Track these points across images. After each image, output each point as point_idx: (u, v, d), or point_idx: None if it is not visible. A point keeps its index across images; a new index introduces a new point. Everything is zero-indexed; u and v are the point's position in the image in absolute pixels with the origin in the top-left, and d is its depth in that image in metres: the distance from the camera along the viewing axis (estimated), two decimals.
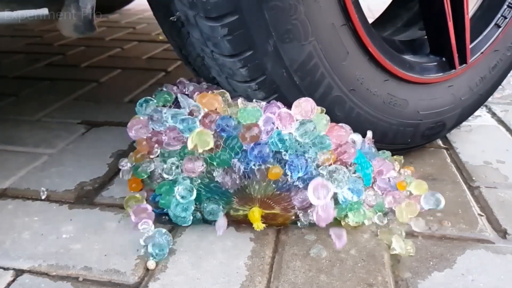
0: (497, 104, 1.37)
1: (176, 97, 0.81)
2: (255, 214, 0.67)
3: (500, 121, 1.24)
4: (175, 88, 0.89)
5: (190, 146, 0.68)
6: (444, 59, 0.98)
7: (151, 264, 0.66)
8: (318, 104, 0.76)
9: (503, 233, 0.76)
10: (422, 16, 1.00)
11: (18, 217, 0.78)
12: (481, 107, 1.34)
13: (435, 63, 0.98)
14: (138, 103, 0.81)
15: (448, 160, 1.02)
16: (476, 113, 1.30)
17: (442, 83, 0.98)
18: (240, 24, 0.72)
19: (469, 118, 1.26)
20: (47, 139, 1.08)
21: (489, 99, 1.41)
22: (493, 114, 1.29)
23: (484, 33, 1.03)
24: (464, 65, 0.99)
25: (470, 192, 0.88)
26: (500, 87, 1.53)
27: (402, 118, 0.94)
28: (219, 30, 0.73)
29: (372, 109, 0.88)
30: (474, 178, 0.93)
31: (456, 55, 0.97)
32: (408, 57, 0.97)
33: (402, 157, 0.92)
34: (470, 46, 1.00)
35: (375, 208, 0.77)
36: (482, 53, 1.02)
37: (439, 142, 1.11)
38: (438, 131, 1.03)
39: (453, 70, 0.98)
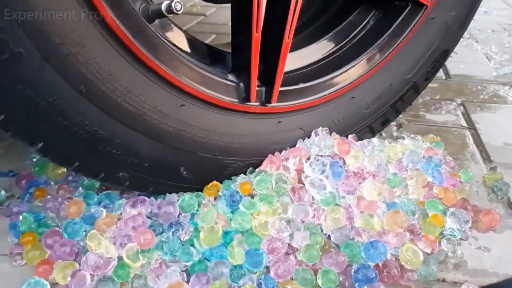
0: None
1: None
2: None
3: None
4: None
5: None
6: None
7: None
8: None
9: None
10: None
11: None
12: (509, 87, 1.37)
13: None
14: None
15: (470, 140, 1.07)
16: (503, 93, 1.33)
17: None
18: None
19: (495, 98, 1.29)
20: None
21: None
22: None
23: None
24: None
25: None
26: None
27: (359, 124, 0.90)
28: None
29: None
30: (492, 158, 0.99)
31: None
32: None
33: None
34: None
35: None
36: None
37: (463, 122, 1.16)
38: (413, 95, 0.96)
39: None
